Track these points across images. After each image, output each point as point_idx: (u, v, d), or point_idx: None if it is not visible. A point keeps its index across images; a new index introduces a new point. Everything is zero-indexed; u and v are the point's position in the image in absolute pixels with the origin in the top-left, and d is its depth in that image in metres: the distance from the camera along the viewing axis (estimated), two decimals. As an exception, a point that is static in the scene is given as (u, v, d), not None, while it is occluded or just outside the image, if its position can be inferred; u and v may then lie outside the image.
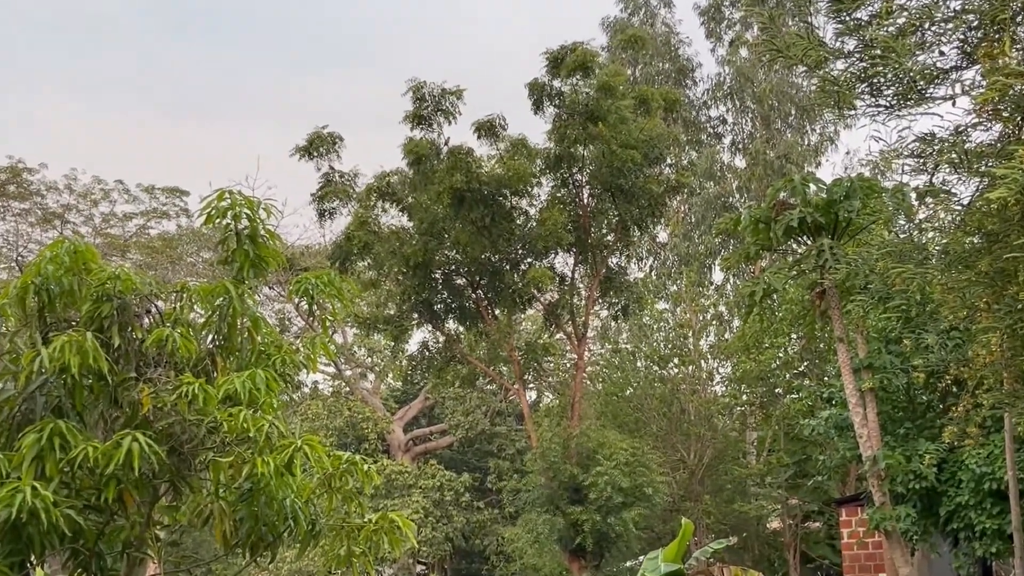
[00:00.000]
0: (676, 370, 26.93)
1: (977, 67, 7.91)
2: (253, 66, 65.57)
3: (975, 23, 7.80)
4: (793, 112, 31.97)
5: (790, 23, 25.79)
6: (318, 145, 23.96)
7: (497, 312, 24.28)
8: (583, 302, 24.72)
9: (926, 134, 8.04)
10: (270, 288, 31.94)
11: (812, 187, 13.29)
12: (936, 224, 11.12)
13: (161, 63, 60.22)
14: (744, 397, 25.50)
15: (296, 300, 8.21)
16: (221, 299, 7.06)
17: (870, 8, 8.13)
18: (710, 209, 30.64)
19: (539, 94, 23.00)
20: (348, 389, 34.92)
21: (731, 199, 31.01)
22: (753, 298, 13.75)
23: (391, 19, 71.93)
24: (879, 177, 14.93)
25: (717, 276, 31.26)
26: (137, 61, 61.28)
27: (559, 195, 23.88)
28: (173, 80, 59.95)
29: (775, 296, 14.73)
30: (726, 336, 27.28)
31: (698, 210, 31.11)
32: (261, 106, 64.65)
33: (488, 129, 23.06)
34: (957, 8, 7.88)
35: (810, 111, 30.98)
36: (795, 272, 13.95)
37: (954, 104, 7.95)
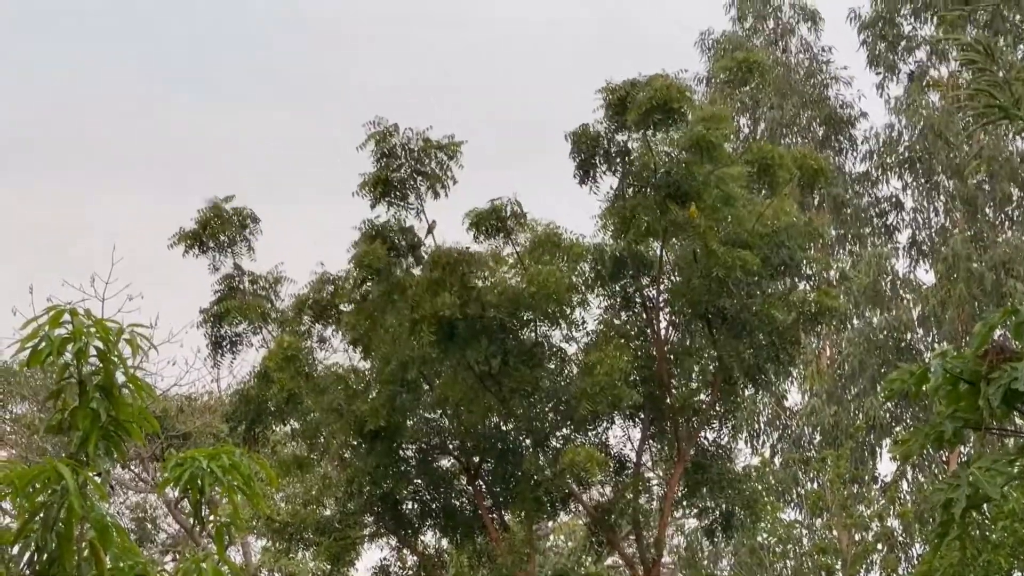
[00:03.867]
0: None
1: None
2: (108, 93, 67.90)
3: None
4: (1016, 195, 32.45)
5: (1011, 53, 26.41)
6: (216, 229, 24.53)
7: (509, 518, 24.33)
8: (656, 504, 24.71)
9: None
10: (129, 469, 32.05)
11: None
12: None
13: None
14: None
15: (173, 494, 8.40)
16: (48, 493, 7.05)
17: None
18: (873, 353, 30.69)
19: (589, 152, 23.38)
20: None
21: (911, 337, 31.10)
22: (950, 510, 13.74)
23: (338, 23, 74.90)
24: None
25: (885, 467, 31.13)
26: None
27: (618, 324, 24.18)
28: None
29: (987, 508, 14.73)
30: (901, 571, 26.97)
31: (854, 353, 31.14)
32: (118, 151, 66.51)
33: (493, 224, 23.14)
34: None
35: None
36: (1022, 468, 13.99)
37: None
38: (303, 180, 67.14)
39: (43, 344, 7.26)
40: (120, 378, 7.41)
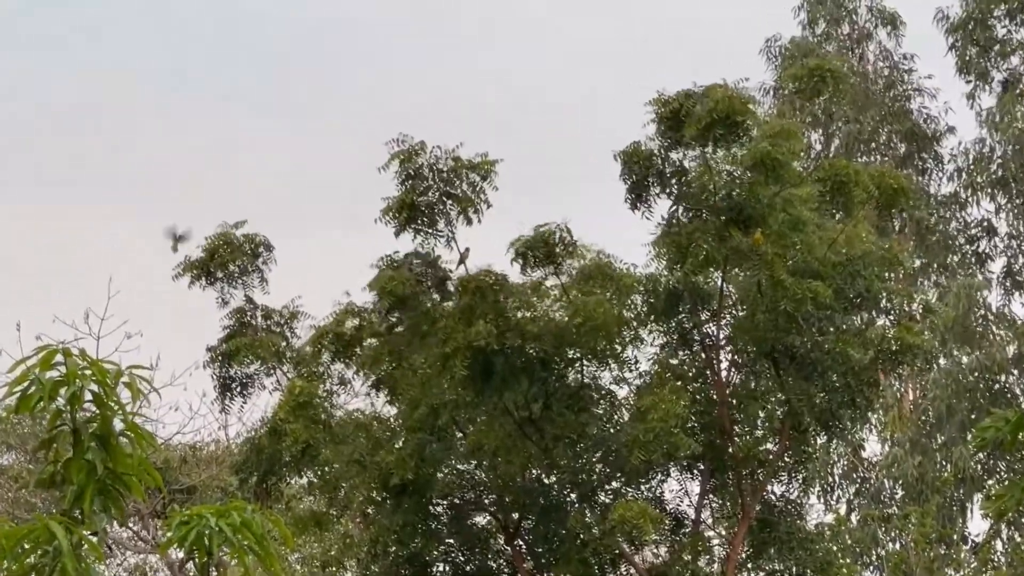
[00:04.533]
0: None
1: None
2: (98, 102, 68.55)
3: None
4: None
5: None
6: (225, 258, 24.50)
7: (553, 582, 24.13)
8: (718, 567, 24.46)
9: None
10: (128, 527, 31.95)
11: None
12: None
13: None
14: None
15: (177, 555, 8.18)
16: (39, 554, 7.05)
17: None
18: (963, 396, 30.46)
19: (641, 172, 23.40)
20: None
21: (1005, 379, 30.84)
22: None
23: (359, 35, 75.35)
24: None
25: (976, 525, 30.85)
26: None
27: (674, 363, 24.05)
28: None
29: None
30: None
31: (941, 397, 31.00)
32: (116, 171, 66.99)
33: (543, 254, 23.07)
34: None
35: None
36: None
37: None
38: (324, 205, 67.68)
39: (33, 388, 7.27)
40: (118, 426, 7.39)
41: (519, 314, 22.89)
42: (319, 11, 72.63)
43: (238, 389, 24.82)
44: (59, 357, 7.28)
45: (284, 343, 24.78)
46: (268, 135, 68.77)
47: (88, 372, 7.34)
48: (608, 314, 22.70)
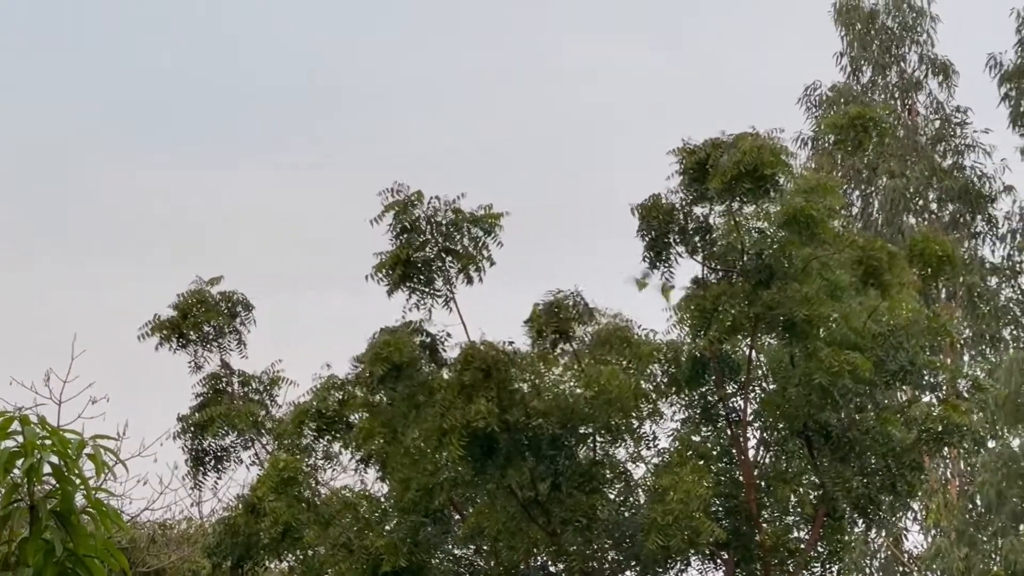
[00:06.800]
0: None
1: None
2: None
3: None
4: None
5: None
6: (199, 318, 24.54)
7: None
8: (743, 671, 24.41)
9: None
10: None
11: None
12: None
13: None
14: None
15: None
16: None
17: None
18: (1014, 483, 30.46)
19: (661, 228, 23.34)
20: None
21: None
22: None
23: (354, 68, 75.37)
24: None
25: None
26: None
27: (697, 440, 24.02)
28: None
29: None
30: None
31: (990, 482, 30.95)
32: (79, 220, 67.06)
33: (556, 325, 23.10)
34: None
35: None
36: None
37: None
38: (311, 262, 67.42)
39: (-16, 458, 7.37)
40: (80, 502, 7.43)
41: (524, 387, 22.88)
42: (312, 45, 72.96)
43: (212, 462, 24.76)
44: (16, 425, 7.29)
45: (263, 412, 24.73)
46: (248, 183, 68.83)
47: (48, 442, 7.34)
48: (624, 385, 22.57)
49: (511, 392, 22.42)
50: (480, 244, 23.30)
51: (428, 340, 23.55)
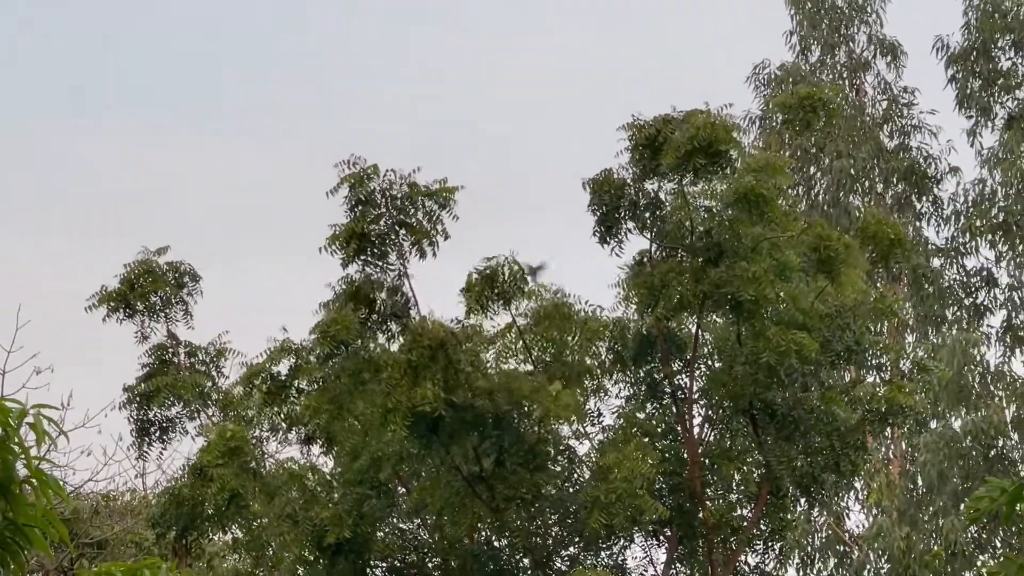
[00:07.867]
0: None
1: None
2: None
3: None
4: None
5: None
6: (145, 289, 24.47)
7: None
8: (685, 647, 24.53)
9: None
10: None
11: None
12: None
13: None
14: None
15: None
16: None
17: None
18: (956, 463, 30.60)
19: (612, 203, 23.32)
20: None
21: (1003, 443, 30.99)
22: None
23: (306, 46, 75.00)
24: None
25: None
26: None
27: (642, 418, 24.09)
28: None
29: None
30: None
31: (932, 463, 31.08)
32: (25, 189, 66.59)
33: (496, 289, 22.94)
34: None
35: None
36: None
37: None
38: (262, 232, 67.21)
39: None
40: (21, 472, 7.30)
41: (470, 368, 22.76)
42: (266, 15, 72.55)
43: (157, 433, 24.63)
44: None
45: (210, 383, 24.68)
46: (198, 154, 68.43)
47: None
48: (568, 362, 22.79)
49: (456, 372, 22.36)
50: (435, 218, 23.25)
51: (392, 305, 23.43)
